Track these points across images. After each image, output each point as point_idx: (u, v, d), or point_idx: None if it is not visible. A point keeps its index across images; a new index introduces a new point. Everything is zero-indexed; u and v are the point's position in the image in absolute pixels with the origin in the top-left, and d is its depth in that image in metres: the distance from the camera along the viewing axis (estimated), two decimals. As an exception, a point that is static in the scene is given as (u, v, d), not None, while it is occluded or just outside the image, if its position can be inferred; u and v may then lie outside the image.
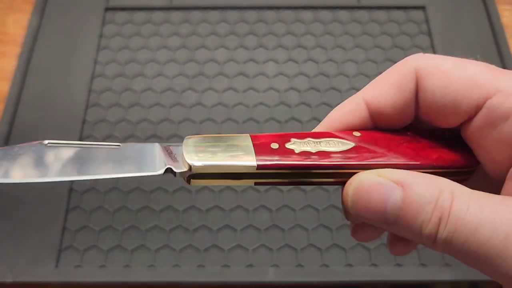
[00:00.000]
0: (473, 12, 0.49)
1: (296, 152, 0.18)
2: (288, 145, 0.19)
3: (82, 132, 0.43)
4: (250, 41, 0.48)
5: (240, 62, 0.47)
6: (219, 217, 0.39)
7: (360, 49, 0.47)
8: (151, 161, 0.19)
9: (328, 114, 0.21)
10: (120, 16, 0.50)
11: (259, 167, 0.18)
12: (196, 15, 0.50)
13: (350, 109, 0.20)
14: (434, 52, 0.46)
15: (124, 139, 0.42)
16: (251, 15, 0.50)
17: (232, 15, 0.50)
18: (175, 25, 0.49)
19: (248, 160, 0.18)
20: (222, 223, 0.38)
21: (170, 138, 0.42)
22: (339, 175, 0.18)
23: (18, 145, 0.19)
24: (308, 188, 0.40)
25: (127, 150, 0.20)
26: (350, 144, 0.19)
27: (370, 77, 0.45)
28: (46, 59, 0.47)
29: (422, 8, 0.50)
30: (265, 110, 0.44)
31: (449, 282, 0.36)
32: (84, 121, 0.43)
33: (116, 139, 0.42)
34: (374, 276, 0.36)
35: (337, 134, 0.19)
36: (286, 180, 0.19)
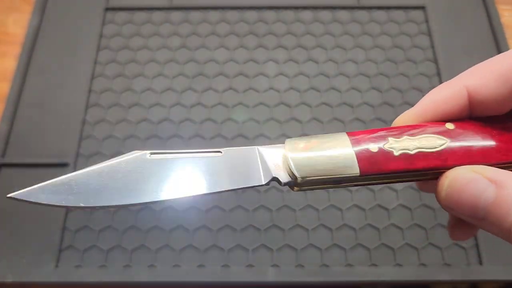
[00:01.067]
0: (473, 12, 0.49)
1: (395, 154, 0.19)
2: (387, 146, 0.19)
3: (82, 132, 0.43)
4: (250, 41, 0.48)
5: (240, 62, 0.47)
6: (219, 217, 0.39)
7: (360, 49, 0.47)
8: (256, 170, 0.19)
9: (422, 100, 0.20)
10: (120, 16, 0.50)
11: (361, 174, 0.19)
12: (196, 15, 0.50)
13: (449, 96, 0.20)
14: (434, 52, 0.46)
15: (124, 139, 0.42)
16: (251, 15, 0.50)
17: (232, 15, 0.50)
18: (175, 25, 0.49)
19: (351, 171, 0.18)
20: (222, 223, 0.38)
21: (171, 138, 0.42)
22: (437, 173, 0.19)
23: (120, 158, 0.18)
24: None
25: (230, 159, 0.19)
26: (445, 140, 0.19)
27: (370, 77, 0.45)
28: (46, 59, 0.47)
29: (422, 8, 0.50)
30: (265, 110, 0.44)
31: (449, 282, 0.36)
32: (84, 121, 0.43)
33: (116, 139, 0.42)
34: (374, 276, 0.36)
35: (432, 128, 0.19)
36: (386, 181, 0.20)
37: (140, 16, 0.50)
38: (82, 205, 0.18)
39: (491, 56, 0.50)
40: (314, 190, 0.39)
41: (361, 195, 0.40)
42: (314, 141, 0.19)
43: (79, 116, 0.43)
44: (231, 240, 0.38)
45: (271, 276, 0.36)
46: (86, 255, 0.37)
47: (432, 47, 0.47)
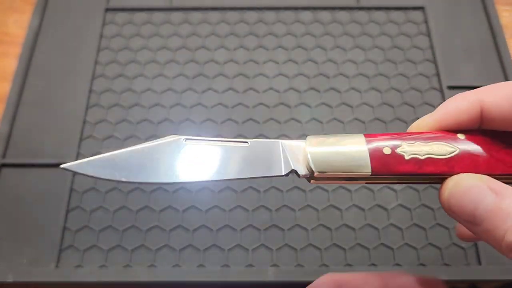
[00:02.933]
0: (472, 13, 0.49)
1: (406, 158, 0.20)
2: (399, 150, 0.20)
3: (83, 132, 0.43)
4: (250, 42, 0.48)
5: (240, 63, 0.47)
6: (219, 217, 0.39)
7: (360, 49, 0.47)
8: (278, 162, 0.21)
9: (439, 109, 0.22)
10: (120, 16, 0.50)
11: (373, 174, 0.20)
12: (196, 15, 0.50)
13: (463, 109, 0.21)
14: (433, 52, 0.46)
15: (125, 140, 0.42)
16: (251, 15, 0.50)
17: (232, 15, 0.50)
18: (175, 26, 0.49)
19: (364, 169, 0.20)
20: (222, 223, 0.38)
21: (170, 138, 0.42)
22: (443, 179, 0.21)
23: (158, 141, 0.21)
24: (307, 188, 0.40)
25: (256, 149, 0.21)
26: (455, 149, 0.20)
27: (369, 78, 0.45)
28: (47, 59, 0.47)
29: (421, 8, 0.50)
30: (265, 110, 0.44)
31: (448, 282, 0.36)
32: (84, 122, 0.43)
33: (116, 140, 0.42)
34: (374, 276, 0.36)
35: (444, 136, 0.21)
36: (395, 181, 0.21)
37: (140, 16, 0.50)
38: (124, 179, 0.20)
39: (490, 56, 0.50)
40: (313, 191, 0.40)
41: (360, 195, 0.40)
42: (332, 139, 0.21)
43: (79, 117, 0.43)
44: (231, 240, 0.38)
45: (271, 276, 0.36)
46: (86, 255, 0.37)
47: (432, 47, 0.47)
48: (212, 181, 0.20)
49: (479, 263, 0.37)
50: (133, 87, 0.45)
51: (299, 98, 0.45)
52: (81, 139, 0.42)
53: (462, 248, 0.37)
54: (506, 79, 0.45)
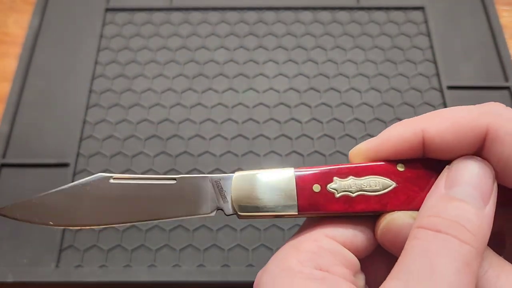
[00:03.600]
0: (472, 13, 0.50)
1: (337, 196, 0.19)
2: (330, 187, 0.19)
3: (83, 132, 0.43)
4: (250, 42, 0.48)
5: (240, 63, 0.47)
6: (219, 217, 0.39)
7: (360, 49, 0.47)
8: (204, 201, 0.20)
9: (379, 136, 0.20)
10: (120, 16, 0.50)
11: (299, 214, 0.20)
12: (196, 15, 0.50)
13: (405, 137, 0.20)
14: (433, 52, 0.46)
15: (124, 140, 0.42)
16: (251, 15, 0.50)
17: (232, 15, 0.50)
18: (175, 26, 0.49)
19: (290, 210, 0.19)
20: (222, 223, 0.38)
21: (171, 138, 0.42)
22: (376, 214, 0.20)
23: (82, 181, 0.20)
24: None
25: (183, 186, 0.20)
26: (391, 185, 0.19)
27: (369, 78, 0.45)
28: (47, 59, 0.47)
29: (421, 8, 0.50)
30: (265, 111, 0.44)
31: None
32: (84, 122, 0.43)
33: (116, 140, 0.42)
34: (374, 275, 0.36)
35: (382, 168, 0.20)
36: (324, 217, 0.20)
37: (140, 16, 0.50)
38: (51, 223, 0.20)
39: (490, 56, 0.50)
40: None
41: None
42: (260, 175, 0.20)
43: (79, 116, 0.43)
44: (231, 240, 0.38)
45: (271, 275, 0.36)
46: (86, 255, 0.37)
47: (431, 47, 0.47)
48: (138, 222, 0.20)
49: (479, 263, 0.37)
50: (133, 87, 0.45)
51: (299, 98, 0.45)
52: (81, 139, 0.42)
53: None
54: (506, 79, 0.45)
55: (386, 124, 0.43)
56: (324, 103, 0.44)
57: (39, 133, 0.43)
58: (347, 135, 0.42)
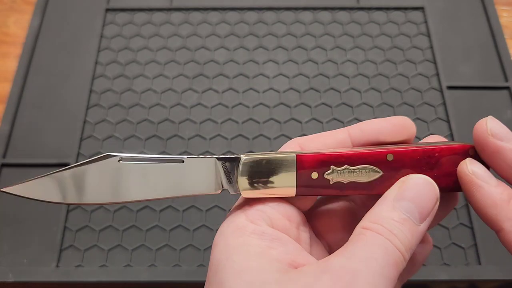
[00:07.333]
0: (472, 13, 0.50)
1: (331, 183, 0.22)
2: (327, 175, 0.22)
3: (83, 132, 0.43)
4: (250, 42, 0.48)
5: (240, 63, 0.47)
6: (219, 217, 0.39)
7: (360, 49, 0.47)
8: (211, 180, 0.22)
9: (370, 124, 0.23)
10: (121, 17, 0.50)
11: (297, 195, 0.22)
12: (196, 16, 0.50)
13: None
14: (433, 52, 0.47)
15: (125, 140, 0.42)
16: (251, 16, 0.50)
17: (232, 16, 0.50)
18: (175, 26, 0.49)
19: (288, 192, 0.22)
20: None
21: (171, 138, 0.42)
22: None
23: (88, 161, 0.21)
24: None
25: (190, 167, 0.21)
26: (379, 173, 0.22)
27: (369, 78, 0.45)
28: (47, 59, 0.47)
29: (421, 9, 0.50)
30: (265, 111, 0.44)
31: (448, 282, 0.36)
32: (85, 122, 0.43)
33: (116, 140, 0.42)
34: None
35: (372, 158, 0.22)
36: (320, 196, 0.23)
37: (141, 16, 0.50)
38: (59, 201, 0.21)
39: (490, 56, 0.50)
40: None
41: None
42: (265, 161, 0.21)
43: (79, 116, 0.43)
44: (231, 240, 0.38)
45: (271, 275, 0.36)
46: (86, 254, 0.37)
47: (431, 47, 0.47)
48: (146, 200, 0.21)
49: (479, 262, 0.37)
50: (133, 87, 0.45)
51: (299, 98, 0.45)
52: (81, 139, 0.42)
53: (462, 248, 0.37)
54: (506, 79, 0.45)
55: (386, 124, 0.43)
56: (324, 103, 0.44)
57: (39, 133, 0.43)
58: (347, 135, 0.42)
